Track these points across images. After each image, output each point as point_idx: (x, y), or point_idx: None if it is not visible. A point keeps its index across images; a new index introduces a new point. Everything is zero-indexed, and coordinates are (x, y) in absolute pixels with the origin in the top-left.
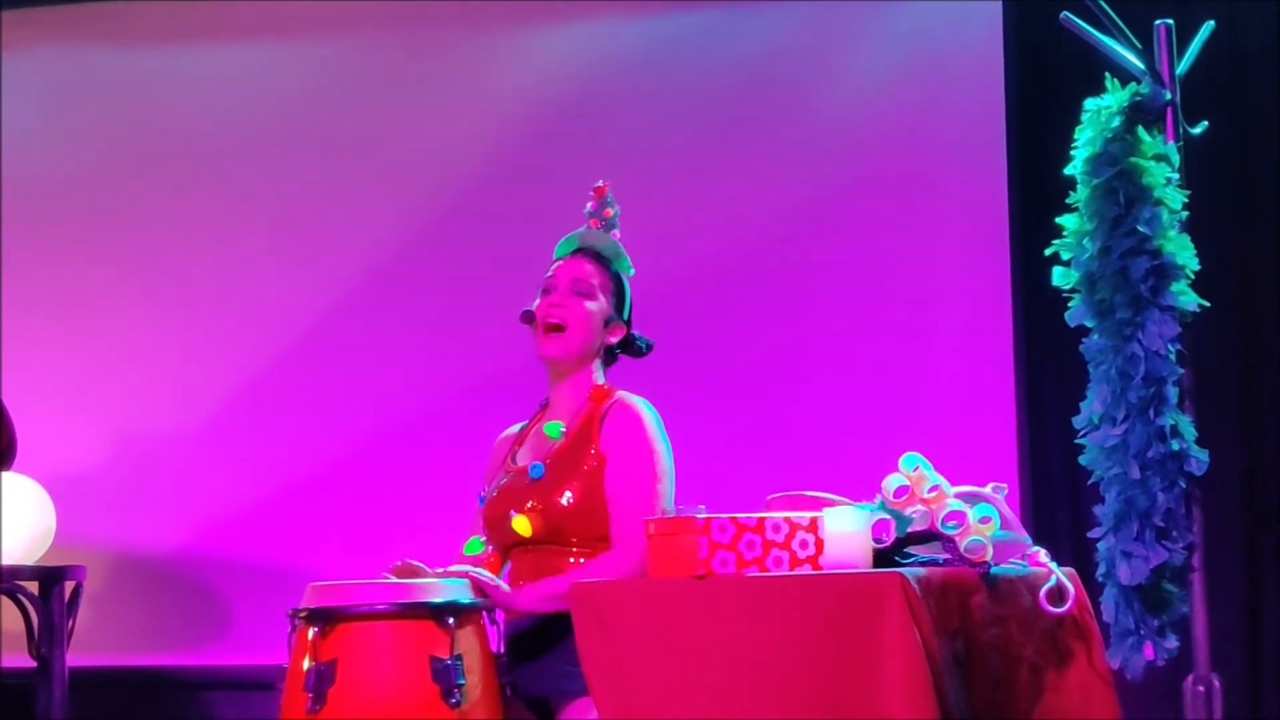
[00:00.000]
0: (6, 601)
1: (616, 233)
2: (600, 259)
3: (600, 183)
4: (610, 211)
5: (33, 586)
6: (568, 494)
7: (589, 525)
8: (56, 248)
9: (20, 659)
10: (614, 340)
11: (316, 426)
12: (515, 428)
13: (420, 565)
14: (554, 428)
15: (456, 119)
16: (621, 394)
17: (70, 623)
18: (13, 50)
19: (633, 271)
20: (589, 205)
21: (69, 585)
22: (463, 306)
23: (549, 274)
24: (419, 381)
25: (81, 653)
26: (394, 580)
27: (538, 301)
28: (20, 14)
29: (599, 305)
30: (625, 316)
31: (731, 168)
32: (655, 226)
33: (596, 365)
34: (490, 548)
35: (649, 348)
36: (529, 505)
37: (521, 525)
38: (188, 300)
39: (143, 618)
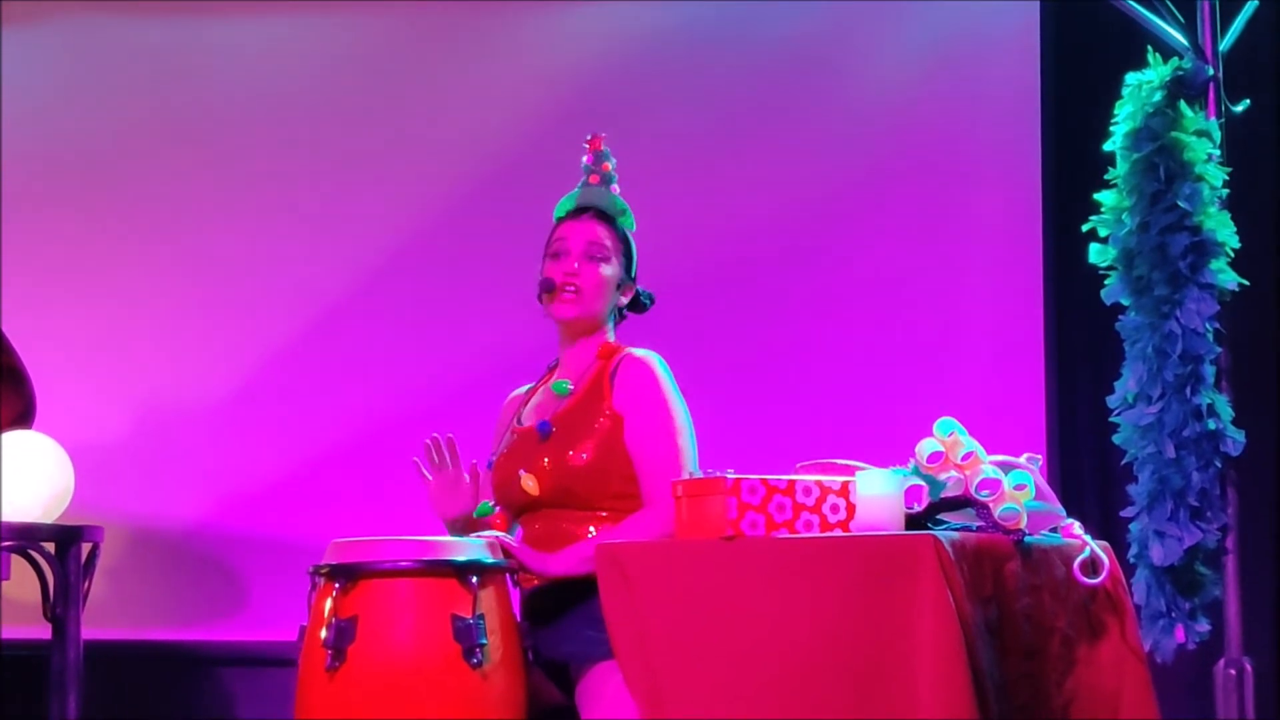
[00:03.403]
0: (17, 569)
1: (616, 187)
2: (606, 218)
3: (590, 136)
4: (608, 165)
5: (49, 547)
6: (581, 452)
7: (603, 483)
8: (85, 216)
9: (31, 630)
10: (625, 301)
11: (338, 402)
12: (523, 389)
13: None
14: (561, 385)
15: (480, 97)
16: (629, 349)
17: (86, 584)
18: (41, 20)
19: (635, 226)
20: (585, 160)
21: (85, 546)
22: (485, 284)
23: (556, 237)
24: (440, 358)
25: (96, 626)
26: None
27: (545, 266)
28: None
29: (613, 269)
30: (633, 275)
31: (768, 150)
32: (689, 209)
33: (609, 328)
34: (498, 510)
35: (652, 301)
36: (538, 464)
37: (530, 484)
38: (212, 274)
39: (159, 591)
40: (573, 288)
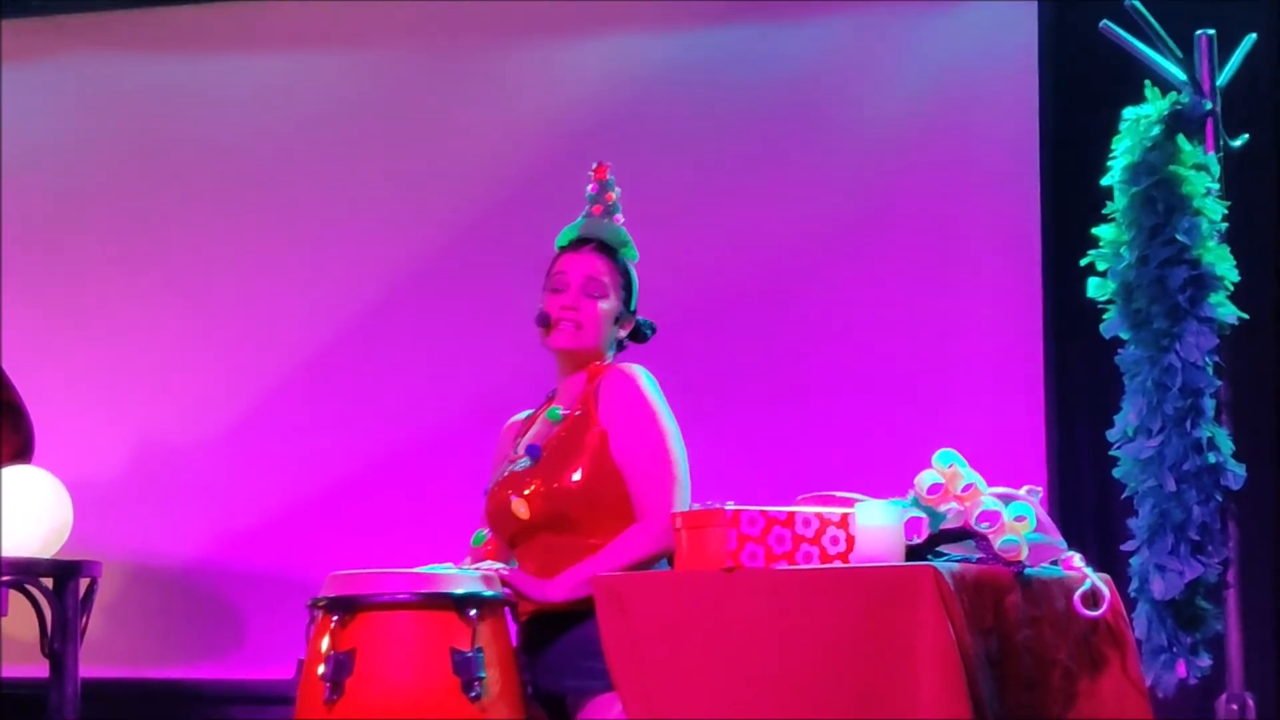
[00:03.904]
0: (15, 605)
1: (619, 217)
2: (607, 251)
3: (596, 164)
4: (612, 196)
5: (47, 582)
6: (571, 474)
7: (596, 505)
8: (84, 252)
9: (29, 668)
10: (624, 334)
11: (337, 437)
12: (522, 415)
13: None
14: (554, 412)
15: (482, 130)
16: (613, 365)
17: (84, 620)
18: (47, 57)
19: (637, 257)
20: (589, 189)
21: (84, 582)
22: (484, 318)
23: (556, 270)
24: (439, 392)
25: (94, 664)
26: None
27: (545, 299)
28: (46, 21)
29: (611, 304)
30: (633, 308)
31: (768, 187)
32: (689, 236)
33: (608, 357)
34: (490, 535)
35: (653, 331)
36: (529, 489)
37: (521, 509)
38: (210, 309)
39: (157, 628)
40: (571, 322)
